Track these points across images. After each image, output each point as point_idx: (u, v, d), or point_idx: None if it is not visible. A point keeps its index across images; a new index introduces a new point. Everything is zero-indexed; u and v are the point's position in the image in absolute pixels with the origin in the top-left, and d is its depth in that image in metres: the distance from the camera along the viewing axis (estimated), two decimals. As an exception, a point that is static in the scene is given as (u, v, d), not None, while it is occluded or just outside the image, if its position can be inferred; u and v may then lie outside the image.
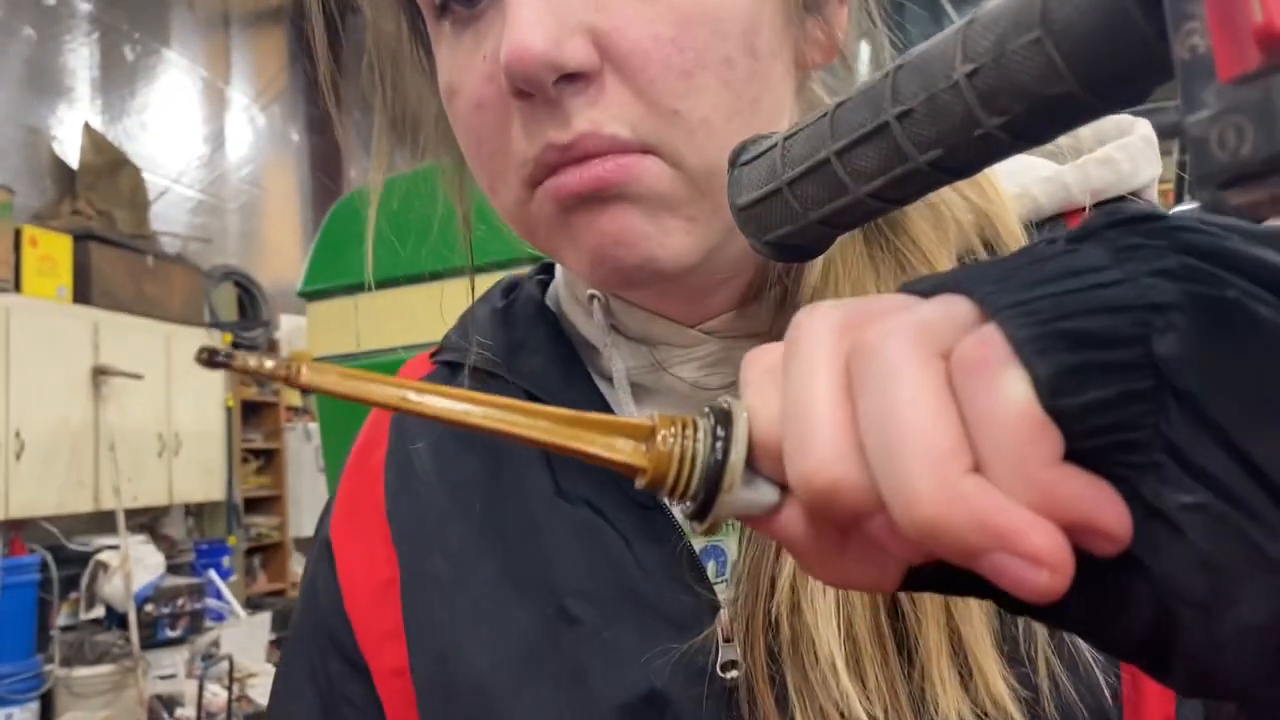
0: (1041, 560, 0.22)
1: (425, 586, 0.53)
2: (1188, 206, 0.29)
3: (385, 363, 2.04)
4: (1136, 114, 0.52)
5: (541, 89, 0.41)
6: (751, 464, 0.27)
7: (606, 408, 0.52)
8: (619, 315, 0.53)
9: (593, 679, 0.46)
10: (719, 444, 0.27)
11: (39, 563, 4.38)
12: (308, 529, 6.75)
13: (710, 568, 0.49)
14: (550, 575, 0.49)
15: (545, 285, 0.62)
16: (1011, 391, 0.22)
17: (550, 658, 0.48)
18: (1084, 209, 0.49)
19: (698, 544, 0.49)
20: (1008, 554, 0.22)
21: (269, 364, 0.27)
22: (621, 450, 0.28)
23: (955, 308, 0.24)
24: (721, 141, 0.41)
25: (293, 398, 6.89)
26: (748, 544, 0.46)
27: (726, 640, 0.45)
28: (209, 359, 0.27)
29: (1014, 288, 0.23)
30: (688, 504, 0.28)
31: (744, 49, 0.43)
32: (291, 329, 6.69)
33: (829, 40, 0.49)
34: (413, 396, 0.27)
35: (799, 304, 0.48)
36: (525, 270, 0.65)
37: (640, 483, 0.28)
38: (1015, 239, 0.47)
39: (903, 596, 0.42)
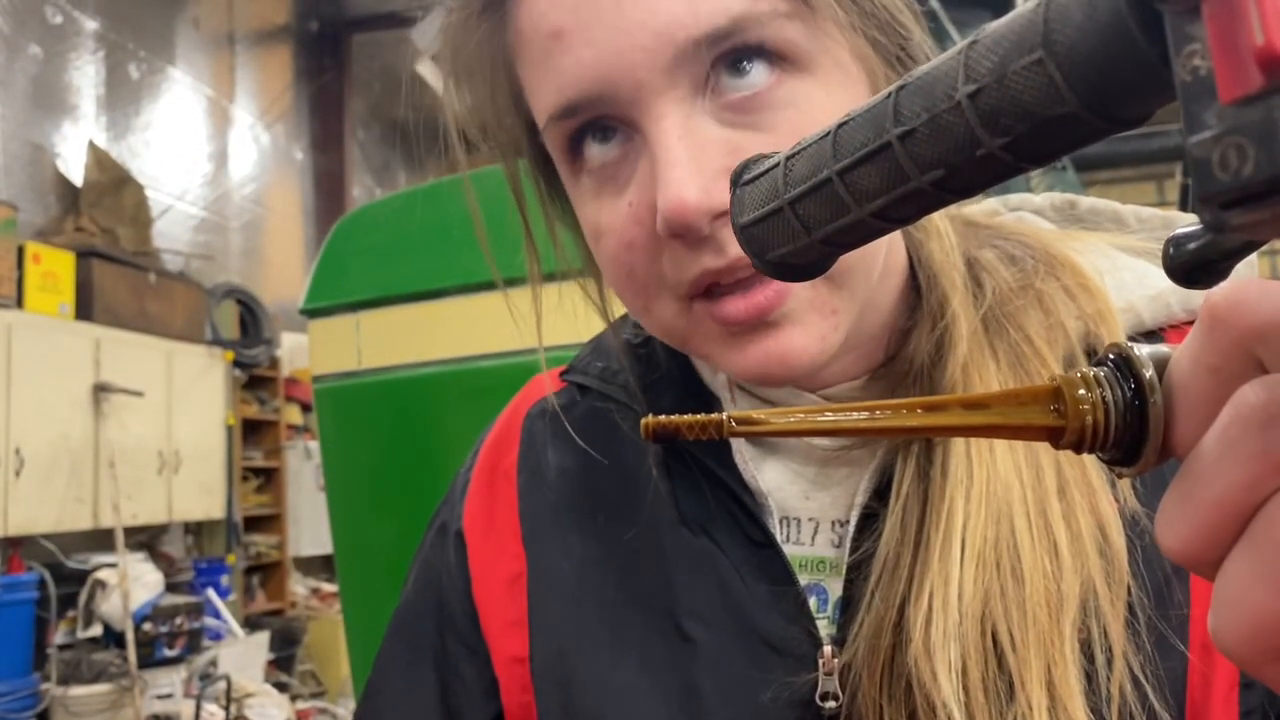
0: None
1: (551, 584, 0.57)
2: (1190, 228, 0.29)
3: (387, 381, 2.04)
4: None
5: (698, 231, 0.46)
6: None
7: (728, 444, 0.56)
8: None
9: (705, 695, 0.51)
10: (1132, 391, 0.28)
11: (37, 580, 4.36)
12: (307, 547, 6.74)
13: (813, 603, 0.53)
14: (669, 595, 0.54)
15: None
16: None
17: (665, 671, 0.52)
18: (1181, 324, 0.53)
19: (803, 580, 0.53)
20: None
21: (700, 422, 0.30)
22: (1035, 418, 0.29)
23: None
24: None
25: (293, 416, 6.89)
26: (867, 584, 0.50)
27: (828, 674, 0.49)
28: (657, 433, 0.31)
29: None
30: (1105, 454, 0.29)
31: None
32: (293, 347, 6.70)
33: None
34: (829, 416, 0.30)
35: (920, 385, 0.52)
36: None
37: (1063, 442, 0.29)
38: None
39: (1006, 645, 0.45)
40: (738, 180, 0.31)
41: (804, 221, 0.29)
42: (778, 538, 0.54)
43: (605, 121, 0.49)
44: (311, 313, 2.33)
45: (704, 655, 0.52)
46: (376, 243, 2.35)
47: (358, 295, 2.29)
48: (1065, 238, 0.58)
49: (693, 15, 0.45)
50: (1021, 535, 0.47)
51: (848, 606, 0.51)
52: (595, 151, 0.50)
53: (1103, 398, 0.28)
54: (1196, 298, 0.53)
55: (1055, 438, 0.29)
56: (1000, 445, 0.49)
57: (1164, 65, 0.22)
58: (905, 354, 0.54)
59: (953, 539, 0.47)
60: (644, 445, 0.57)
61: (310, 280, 2.40)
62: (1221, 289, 0.26)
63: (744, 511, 0.54)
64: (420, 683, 0.62)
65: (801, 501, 0.55)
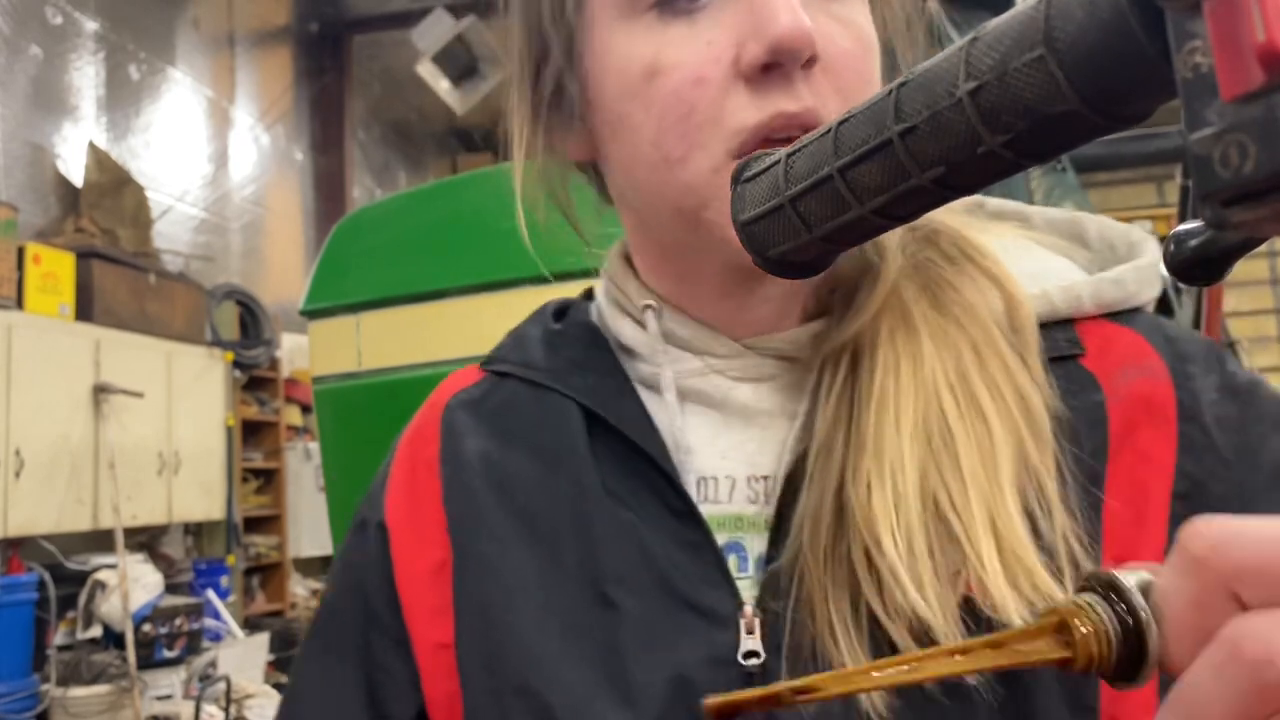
0: None
1: (474, 566, 0.58)
2: (1191, 225, 0.29)
3: (387, 382, 2.04)
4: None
5: (796, 63, 0.50)
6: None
7: (647, 415, 0.58)
8: (669, 324, 0.59)
9: (628, 658, 0.52)
10: (1127, 617, 0.30)
11: (36, 581, 4.36)
12: (307, 549, 6.74)
13: (732, 562, 0.54)
14: (594, 565, 0.55)
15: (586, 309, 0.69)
16: None
17: (589, 637, 0.53)
18: (1091, 317, 0.56)
19: (721, 539, 0.54)
20: None
21: (760, 695, 0.33)
22: (1048, 651, 0.32)
23: None
24: None
25: (293, 417, 6.89)
26: (802, 478, 0.52)
27: (749, 632, 0.50)
28: (720, 712, 0.33)
29: None
30: (1107, 675, 0.31)
31: (878, 76, 0.55)
32: (293, 348, 6.69)
33: None
34: (875, 675, 0.33)
35: (842, 344, 0.54)
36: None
37: (1074, 669, 0.31)
38: (1033, 333, 0.53)
39: (948, 507, 0.48)
40: (738, 177, 0.31)
41: (805, 219, 0.29)
42: (694, 498, 0.55)
43: None
44: (312, 314, 2.33)
45: (627, 620, 0.52)
46: (377, 244, 2.35)
47: (358, 296, 2.29)
48: (980, 227, 0.61)
49: None
50: (949, 408, 0.50)
51: (780, 525, 0.53)
52: None
53: (1105, 630, 0.31)
54: (1108, 292, 0.55)
55: (1066, 665, 0.31)
56: (923, 330, 0.52)
57: (1165, 62, 0.22)
58: (834, 280, 0.57)
59: (885, 421, 0.50)
60: (566, 423, 0.59)
61: (310, 281, 2.40)
62: (1198, 530, 0.28)
63: (664, 479, 0.55)
64: (344, 682, 0.61)
65: (719, 460, 0.57)
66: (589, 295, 0.69)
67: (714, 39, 0.51)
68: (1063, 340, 0.54)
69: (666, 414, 0.57)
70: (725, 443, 0.57)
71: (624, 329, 0.62)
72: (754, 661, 0.50)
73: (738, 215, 0.31)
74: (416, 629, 0.60)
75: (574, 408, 0.59)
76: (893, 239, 0.56)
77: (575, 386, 0.60)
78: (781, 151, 0.30)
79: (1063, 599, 0.39)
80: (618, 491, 0.57)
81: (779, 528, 0.53)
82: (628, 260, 0.64)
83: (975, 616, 0.46)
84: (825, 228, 0.29)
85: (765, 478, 0.56)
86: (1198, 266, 0.28)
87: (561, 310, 0.68)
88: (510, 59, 0.61)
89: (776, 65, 0.50)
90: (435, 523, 0.61)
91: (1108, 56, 0.23)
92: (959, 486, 0.48)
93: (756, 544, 0.54)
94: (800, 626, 0.49)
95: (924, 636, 0.46)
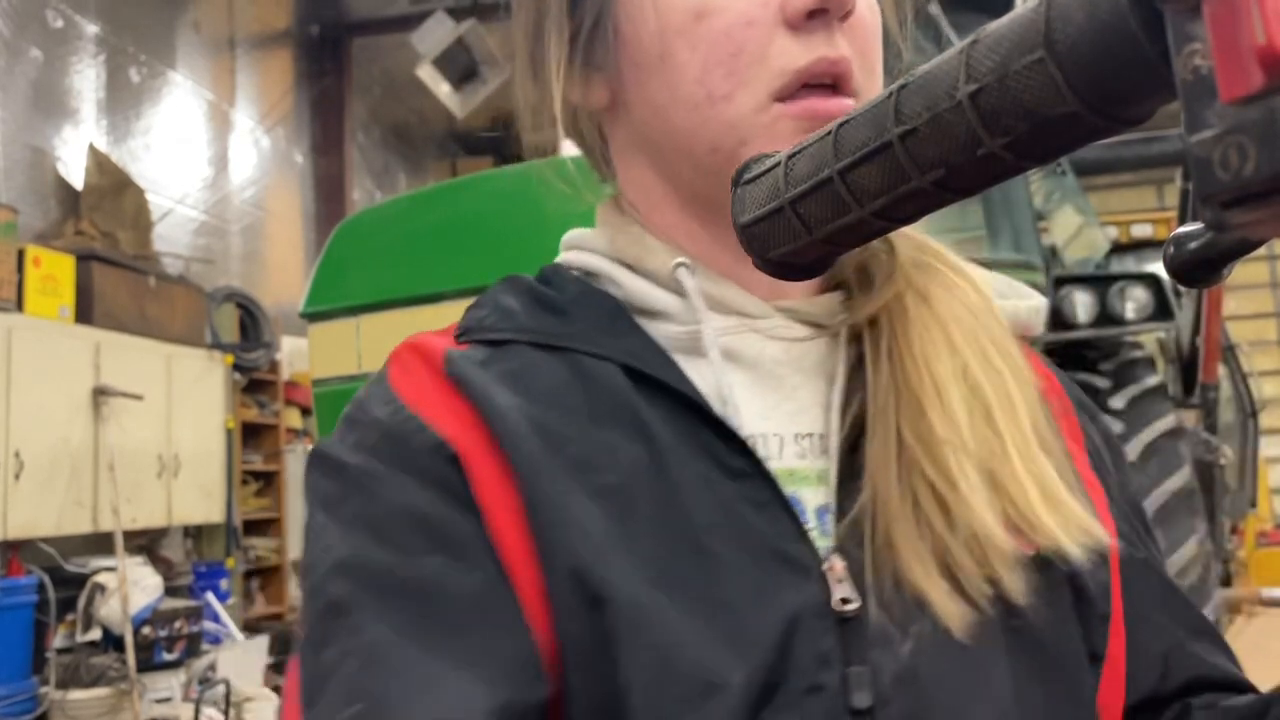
0: None
1: (553, 515, 0.51)
2: (1191, 227, 0.29)
3: (386, 384, 2.04)
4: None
5: (840, 10, 0.54)
6: None
7: (686, 377, 0.56)
8: (702, 283, 0.59)
9: (739, 609, 0.50)
10: None
11: (36, 584, 4.36)
12: (306, 551, 6.73)
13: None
14: (680, 514, 0.52)
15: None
16: None
17: (687, 587, 0.51)
18: (1030, 338, 0.65)
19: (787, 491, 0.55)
20: None
21: None
22: None
23: None
24: None
25: (293, 419, 6.89)
26: (859, 496, 0.55)
27: (839, 580, 0.52)
28: None
29: None
30: None
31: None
32: (293, 350, 6.70)
33: None
34: None
35: (872, 314, 0.58)
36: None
37: None
38: (1007, 326, 0.60)
39: (995, 446, 0.54)
40: (738, 180, 0.31)
41: (805, 221, 0.29)
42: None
43: None
44: (311, 316, 2.34)
45: (729, 570, 0.51)
46: (376, 246, 2.35)
47: (358, 299, 2.29)
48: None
49: None
50: (974, 365, 0.56)
51: (844, 478, 0.55)
52: None
53: None
54: (1023, 315, 0.63)
55: None
56: (938, 301, 0.58)
57: (1165, 64, 0.23)
58: (848, 264, 0.61)
59: (932, 376, 0.55)
60: (609, 384, 0.55)
61: (310, 284, 2.41)
62: None
63: (718, 439, 0.54)
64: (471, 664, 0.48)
65: (760, 420, 0.57)
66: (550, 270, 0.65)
67: None
68: None
69: (710, 373, 0.56)
70: (762, 403, 0.57)
71: (647, 291, 0.60)
72: (851, 606, 0.51)
73: (738, 217, 0.31)
74: (519, 583, 0.51)
75: (615, 370, 0.55)
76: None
77: (611, 349, 0.56)
78: (781, 153, 0.30)
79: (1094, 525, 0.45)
80: (679, 458, 0.53)
81: (844, 481, 0.55)
82: (637, 223, 0.62)
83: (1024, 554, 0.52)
84: (826, 229, 0.29)
85: (809, 435, 0.57)
86: (1198, 268, 0.28)
87: (545, 279, 0.63)
88: None
89: (821, 12, 0.53)
90: (498, 463, 0.52)
91: (1108, 59, 0.23)
92: (994, 435, 0.54)
93: (811, 497, 0.56)
94: (883, 567, 0.52)
95: (985, 559, 0.51)
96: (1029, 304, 0.65)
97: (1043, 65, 0.24)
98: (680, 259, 0.59)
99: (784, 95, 0.55)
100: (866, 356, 0.57)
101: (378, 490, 0.53)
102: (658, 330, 0.59)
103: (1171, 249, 0.28)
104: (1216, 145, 0.21)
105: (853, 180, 0.28)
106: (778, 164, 0.30)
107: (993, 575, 0.51)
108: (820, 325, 0.59)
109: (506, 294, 0.62)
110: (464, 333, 0.60)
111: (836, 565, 0.52)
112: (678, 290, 0.59)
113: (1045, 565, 0.53)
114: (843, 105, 0.54)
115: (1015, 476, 0.53)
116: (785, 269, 0.31)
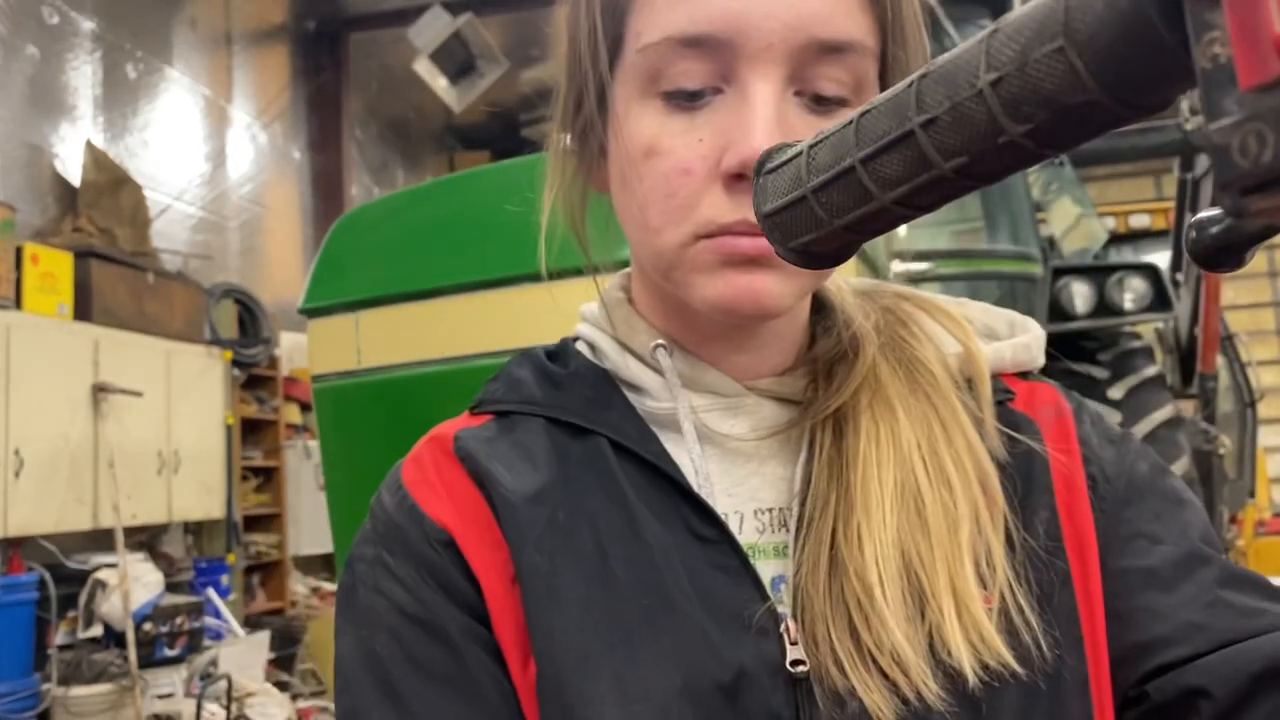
0: None
1: (535, 583, 0.59)
2: (1210, 213, 0.29)
3: (386, 380, 2.04)
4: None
5: None
6: None
7: (666, 450, 0.62)
8: (677, 362, 0.64)
9: (701, 660, 0.55)
10: None
11: (37, 581, 4.36)
12: (307, 547, 6.74)
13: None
14: (652, 573, 0.58)
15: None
16: None
17: (656, 642, 0.56)
18: (1011, 374, 0.67)
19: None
20: None
21: None
22: None
23: None
24: None
25: (292, 415, 6.89)
26: (803, 527, 0.59)
27: (793, 643, 0.56)
28: None
29: None
30: None
31: None
32: (292, 346, 6.69)
33: None
34: None
35: (832, 382, 0.62)
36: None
37: None
38: (987, 384, 0.63)
39: (917, 564, 0.56)
40: (761, 169, 0.31)
41: (827, 209, 0.29)
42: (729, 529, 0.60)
43: (709, 62, 0.56)
44: (310, 312, 2.34)
45: (692, 626, 0.56)
46: (375, 242, 2.35)
47: (356, 294, 2.29)
48: (929, 295, 0.70)
49: (833, 20, 0.54)
50: (921, 476, 0.58)
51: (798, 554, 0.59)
52: (682, 74, 0.56)
53: None
54: (1021, 354, 0.66)
55: None
56: (899, 406, 0.61)
57: (1184, 52, 0.23)
58: (817, 352, 0.65)
59: (870, 483, 0.58)
60: (597, 455, 0.62)
61: (309, 279, 2.40)
62: None
63: (693, 510, 0.59)
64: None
65: (725, 497, 0.62)
66: (564, 342, 0.72)
67: (705, 137, 0.56)
68: (999, 389, 0.64)
69: (684, 448, 0.62)
70: (729, 479, 0.62)
71: (633, 368, 0.66)
72: (802, 669, 0.55)
73: (760, 207, 0.32)
74: (508, 651, 0.58)
75: (602, 442, 0.62)
76: (868, 323, 0.64)
77: (601, 422, 0.63)
78: (803, 143, 0.31)
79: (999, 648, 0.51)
80: (651, 528, 0.60)
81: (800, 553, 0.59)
82: (629, 301, 0.68)
83: (936, 660, 0.54)
84: (847, 218, 0.29)
85: (770, 510, 0.62)
86: (1220, 253, 0.28)
87: (551, 355, 0.71)
88: (559, 75, 0.66)
89: (747, 176, 0.54)
90: (494, 541, 0.60)
91: (1127, 47, 0.24)
92: (926, 547, 0.56)
93: (767, 568, 0.60)
94: (822, 644, 0.56)
95: (902, 672, 0.53)
96: (1016, 341, 0.68)
97: (1063, 54, 0.25)
98: (658, 340, 0.65)
99: (711, 234, 0.57)
100: (816, 454, 0.61)
101: (380, 584, 0.62)
102: (643, 405, 0.65)
103: (1193, 234, 0.28)
104: (1235, 132, 0.22)
105: (874, 169, 0.28)
106: (799, 153, 0.30)
107: (912, 683, 0.53)
108: (791, 401, 0.64)
109: (520, 367, 0.69)
110: (478, 404, 0.69)
111: (791, 628, 0.56)
112: (658, 369, 0.65)
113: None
114: (758, 245, 0.55)
115: (936, 594, 0.55)
116: (808, 257, 0.32)
